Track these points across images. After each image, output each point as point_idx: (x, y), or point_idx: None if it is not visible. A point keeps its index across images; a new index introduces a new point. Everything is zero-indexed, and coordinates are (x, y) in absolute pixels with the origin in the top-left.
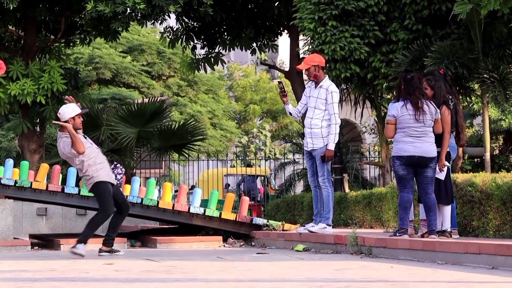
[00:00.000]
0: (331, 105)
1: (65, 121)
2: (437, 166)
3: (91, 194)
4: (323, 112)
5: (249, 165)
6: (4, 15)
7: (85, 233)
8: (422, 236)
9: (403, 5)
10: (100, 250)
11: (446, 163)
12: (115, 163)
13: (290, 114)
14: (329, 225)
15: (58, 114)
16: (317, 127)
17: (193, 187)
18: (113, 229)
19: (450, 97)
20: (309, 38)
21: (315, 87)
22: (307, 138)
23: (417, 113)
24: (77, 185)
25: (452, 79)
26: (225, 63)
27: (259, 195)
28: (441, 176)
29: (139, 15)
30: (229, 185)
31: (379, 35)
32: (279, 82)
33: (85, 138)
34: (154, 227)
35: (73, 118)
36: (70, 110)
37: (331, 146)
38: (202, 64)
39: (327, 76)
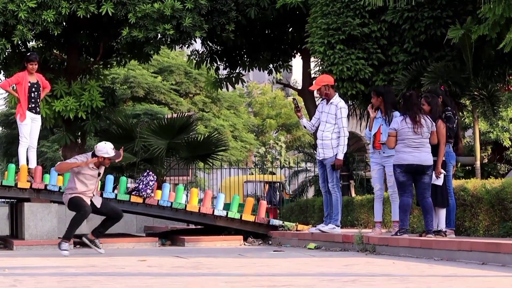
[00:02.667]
0: (340, 119)
1: (96, 156)
2: (433, 173)
3: (126, 198)
4: (333, 125)
5: (273, 173)
6: (50, 40)
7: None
8: (396, 234)
9: (402, 31)
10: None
11: (442, 170)
12: (147, 171)
13: (305, 127)
14: (338, 226)
15: (95, 147)
16: (327, 139)
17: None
18: (103, 227)
19: (454, 111)
20: (319, 60)
21: (327, 104)
22: (318, 148)
23: (415, 126)
24: (113, 190)
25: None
26: (245, 82)
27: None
28: (439, 182)
29: (169, 40)
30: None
31: (382, 57)
32: (294, 99)
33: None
34: (182, 228)
35: (104, 158)
36: (105, 151)
37: (340, 156)
38: (225, 83)
39: (337, 94)
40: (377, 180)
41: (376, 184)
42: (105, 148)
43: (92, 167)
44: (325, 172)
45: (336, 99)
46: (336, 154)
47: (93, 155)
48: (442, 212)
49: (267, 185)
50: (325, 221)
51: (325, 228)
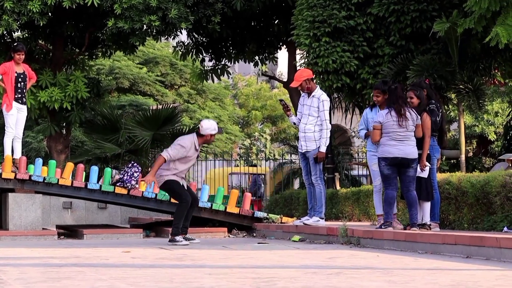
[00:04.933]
0: (322, 112)
1: (204, 135)
2: (418, 166)
3: (111, 189)
4: (315, 118)
5: (254, 165)
6: (35, 31)
7: (175, 224)
8: (381, 227)
9: (388, 24)
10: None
11: (427, 163)
12: (132, 162)
13: (294, 123)
14: (322, 218)
15: (200, 126)
16: (310, 131)
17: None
18: (185, 219)
19: (438, 104)
20: (305, 52)
21: (308, 97)
22: (301, 141)
23: (400, 119)
24: (98, 181)
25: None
26: (230, 74)
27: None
28: (424, 174)
29: (154, 31)
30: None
31: (367, 50)
32: (281, 101)
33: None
34: (167, 220)
35: (211, 135)
36: (212, 127)
37: (323, 149)
38: (210, 74)
39: (318, 86)
40: (377, 174)
41: (375, 177)
42: (212, 125)
43: (197, 149)
44: (308, 165)
45: (318, 91)
46: (319, 146)
47: (198, 134)
48: (427, 206)
49: (251, 177)
50: (309, 214)
51: (309, 221)
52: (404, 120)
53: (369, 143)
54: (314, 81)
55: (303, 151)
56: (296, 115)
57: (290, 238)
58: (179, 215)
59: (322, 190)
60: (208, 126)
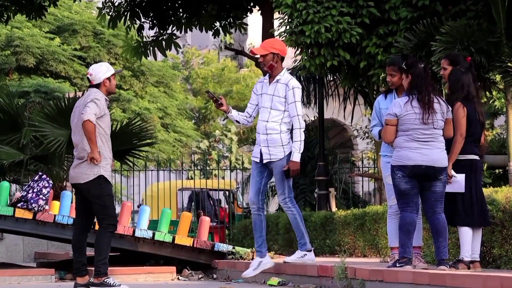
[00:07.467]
0: (293, 104)
1: (100, 83)
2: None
3: (9, 213)
4: (282, 113)
5: (213, 178)
6: None
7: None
8: (395, 265)
9: None
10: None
11: (454, 173)
12: (40, 173)
13: (238, 122)
14: (309, 251)
15: (89, 76)
16: (275, 132)
17: (139, 205)
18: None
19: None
20: (287, 17)
21: (270, 83)
22: (261, 146)
23: (425, 112)
24: None
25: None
26: (180, 48)
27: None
28: (459, 187)
29: None
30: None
31: (375, 13)
32: (207, 91)
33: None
34: (89, 255)
35: (109, 78)
36: (104, 68)
37: (296, 157)
38: (151, 48)
39: (285, 69)
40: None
41: (391, 195)
42: (102, 66)
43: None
44: (263, 180)
45: (285, 75)
46: (290, 154)
47: (94, 86)
48: (464, 233)
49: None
50: (260, 253)
51: (291, 258)
52: (431, 113)
53: (384, 146)
54: (282, 63)
55: (264, 160)
56: (243, 109)
57: (266, 281)
58: (107, 245)
59: (296, 214)
60: (99, 70)
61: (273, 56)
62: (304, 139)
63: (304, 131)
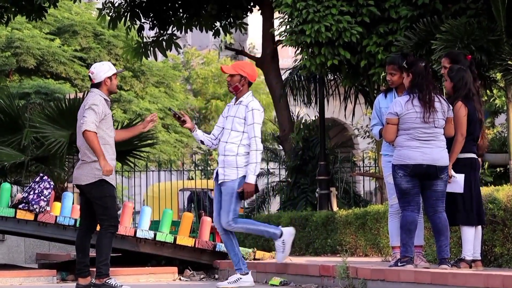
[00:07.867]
0: (251, 126)
1: (100, 82)
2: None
3: (10, 214)
4: (240, 134)
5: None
6: None
7: (103, 260)
8: (396, 264)
9: None
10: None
11: (453, 173)
12: (41, 174)
13: (202, 142)
14: (246, 274)
15: (90, 74)
16: (231, 154)
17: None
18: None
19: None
20: (287, 16)
21: (235, 104)
22: (219, 167)
23: (426, 111)
24: None
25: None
26: (181, 48)
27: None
28: (458, 188)
29: None
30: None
31: (375, 11)
32: (170, 109)
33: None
34: (91, 257)
35: (110, 78)
36: (106, 67)
37: (251, 179)
38: (151, 49)
39: (250, 92)
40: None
41: (392, 194)
42: (104, 65)
43: (108, 101)
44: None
45: (248, 97)
46: (243, 176)
47: (95, 86)
48: (467, 232)
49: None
50: (239, 272)
51: (224, 283)
52: (432, 112)
53: (385, 145)
54: (249, 88)
55: (219, 181)
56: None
57: (268, 281)
58: (108, 245)
59: (245, 228)
60: (100, 69)
61: (241, 78)
62: (259, 161)
63: (261, 153)
